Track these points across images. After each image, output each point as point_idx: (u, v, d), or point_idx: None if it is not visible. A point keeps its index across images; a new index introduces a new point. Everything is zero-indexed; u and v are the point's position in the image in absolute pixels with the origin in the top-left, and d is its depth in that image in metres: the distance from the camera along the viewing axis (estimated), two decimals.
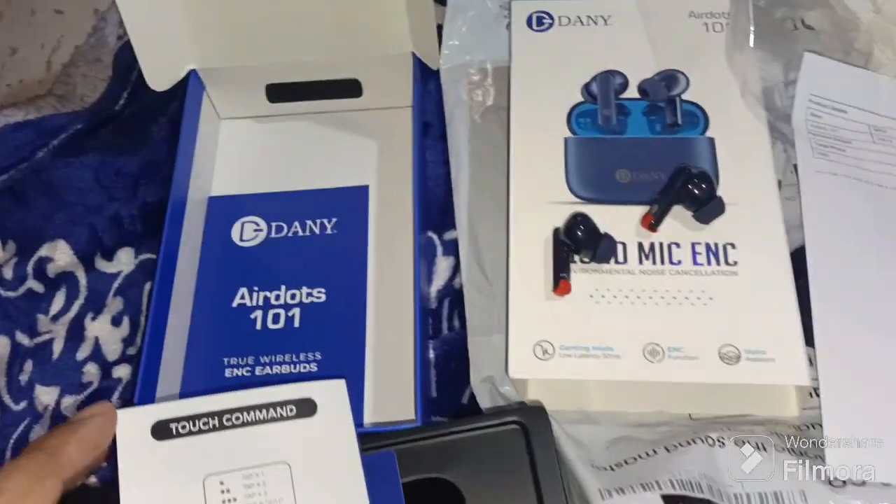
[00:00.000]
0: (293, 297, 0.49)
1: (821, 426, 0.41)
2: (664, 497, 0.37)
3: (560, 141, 0.47)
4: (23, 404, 0.49)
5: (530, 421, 0.39)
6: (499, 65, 0.55)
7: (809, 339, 0.41)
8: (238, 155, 0.55)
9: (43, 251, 0.53)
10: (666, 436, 0.41)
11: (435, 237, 0.51)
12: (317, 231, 0.51)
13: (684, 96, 0.48)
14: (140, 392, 0.42)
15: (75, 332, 0.51)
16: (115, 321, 0.51)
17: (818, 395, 0.41)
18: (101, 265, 0.53)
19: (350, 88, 0.54)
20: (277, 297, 0.49)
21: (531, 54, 0.51)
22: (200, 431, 0.34)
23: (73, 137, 0.56)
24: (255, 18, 0.50)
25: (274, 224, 0.52)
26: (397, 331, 0.47)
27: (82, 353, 0.50)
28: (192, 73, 0.52)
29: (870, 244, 0.43)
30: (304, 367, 0.47)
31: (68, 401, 0.49)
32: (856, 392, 0.40)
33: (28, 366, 0.50)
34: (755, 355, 0.40)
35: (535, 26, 0.52)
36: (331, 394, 0.36)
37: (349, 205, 0.52)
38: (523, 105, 0.49)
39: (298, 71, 0.53)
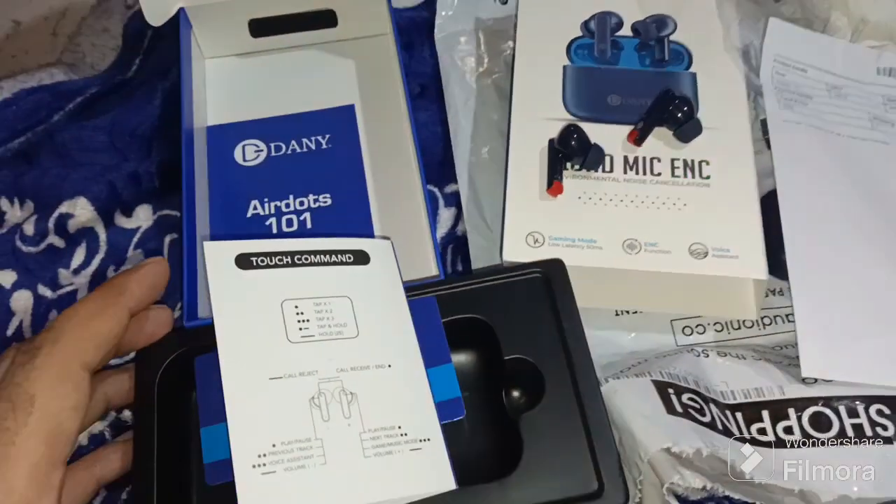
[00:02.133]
0: (301, 203, 0.55)
1: (790, 346, 0.48)
2: (654, 381, 0.44)
3: (559, 68, 0.55)
4: None
5: (550, 270, 0.46)
6: (490, 33, 0.61)
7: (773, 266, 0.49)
8: (227, 89, 0.61)
9: (63, 208, 0.57)
10: (656, 353, 0.48)
11: (436, 190, 0.57)
12: (313, 147, 0.57)
13: (672, 38, 0.56)
14: (187, 301, 0.47)
15: (98, 283, 0.55)
16: None
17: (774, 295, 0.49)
18: (121, 221, 0.57)
19: (326, 19, 0.61)
20: (287, 206, 0.55)
21: None
22: (276, 266, 0.42)
23: (87, 101, 0.60)
24: None
25: (272, 144, 0.58)
26: (405, 214, 0.54)
27: None
28: (181, 13, 0.58)
29: (830, 181, 0.51)
30: None
31: None
32: (823, 306, 0.47)
33: (53, 314, 0.54)
34: (721, 252, 0.48)
35: None
36: (381, 248, 0.45)
37: (339, 122, 0.58)
38: (529, 36, 0.56)
39: (277, 5, 0.59)
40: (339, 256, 0.43)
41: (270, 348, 0.39)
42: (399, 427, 0.39)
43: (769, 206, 0.50)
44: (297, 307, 0.41)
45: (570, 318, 0.44)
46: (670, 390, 0.44)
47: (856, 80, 0.55)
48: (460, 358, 0.46)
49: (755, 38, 0.56)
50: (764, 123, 0.54)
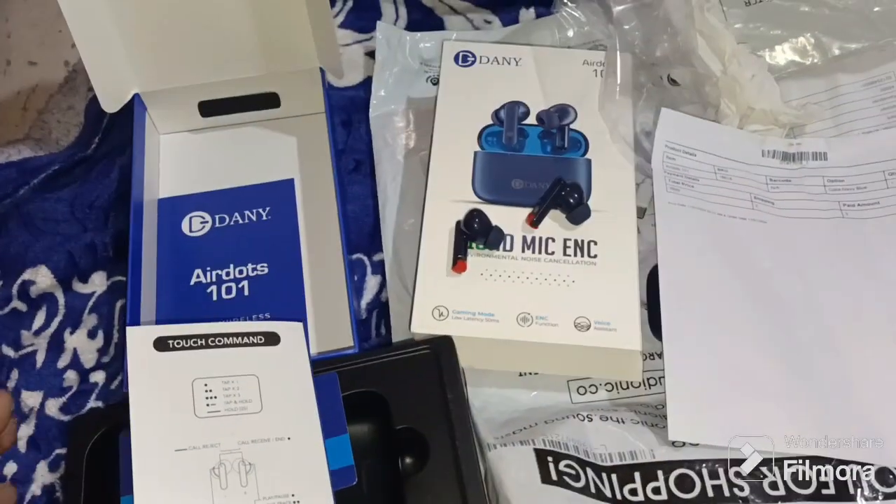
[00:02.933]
0: (241, 272, 0.60)
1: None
2: (536, 450, 0.49)
3: (470, 154, 0.59)
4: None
5: (440, 347, 0.51)
6: (420, 112, 0.66)
7: (658, 334, 0.54)
8: (178, 163, 0.66)
9: (26, 275, 0.62)
10: (549, 416, 0.53)
11: (365, 258, 0.62)
12: (254, 218, 0.63)
13: (572, 126, 0.60)
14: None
15: (55, 345, 0.61)
16: (91, 334, 0.61)
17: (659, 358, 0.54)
18: (78, 286, 0.62)
19: (270, 100, 0.66)
20: (227, 274, 0.60)
21: (455, 84, 0.63)
22: (191, 347, 0.47)
23: (50, 176, 0.65)
24: (186, 46, 0.61)
25: (217, 216, 0.63)
26: (330, 285, 0.59)
27: (62, 361, 0.60)
28: (136, 97, 0.63)
29: (707, 259, 0.55)
30: None
31: (51, 403, 0.59)
32: (691, 374, 0.51)
33: (14, 374, 0.60)
34: (602, 325, 0.53)
35: (460, 62, 0.64)
36: (291, 330, 0.50)
37: (279, 195, 0.64)
38: (444, 123, 0.61)
39: (225, 88, 0.65)
40: (251, 338, 0.48)
41: (179, 423, 0.44)
42: (292, 495, 0.43)
43: (658, 276, 0.55)
44: (206, 385, 0.45)
45: (454, 390, 0.49)
46: (549, 458, 0.48)
47: (742, 162, 0.59)
48: (361, 428, 0.51)
49: (650, 121, 0.60)
50: None
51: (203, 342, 0.47)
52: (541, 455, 0.49)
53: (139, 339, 0.46)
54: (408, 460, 0.49)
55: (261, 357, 0.48)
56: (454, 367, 0.50)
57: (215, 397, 0.45)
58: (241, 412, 0.45)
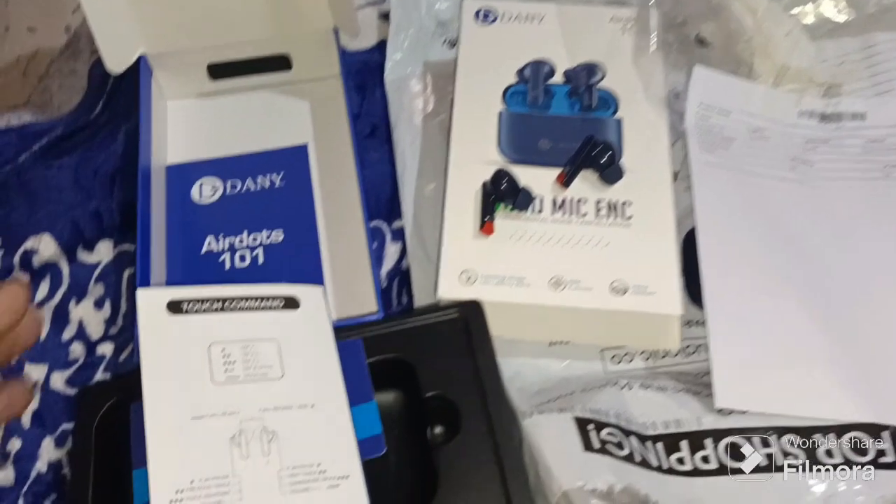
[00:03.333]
0: (255, 239, 0.57)
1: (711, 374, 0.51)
2: (576, 418, 0.46)
3: (495, 113, 0.57)
4: None
5: (468, 311, 0.49)
6: (437, 76, 0.63)
7: (694, 300, 0.51)
8: (187, 128, 0.63)
9: (28, 244, 0.59)
10: (583, 385, 0.50)
11: (384, 225, 0.59)
12: (267, 185, 0.59)
13: (600, 85, 0.58)
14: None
15: (60, 316, 0.57)
16: (98, 304, 0.58)
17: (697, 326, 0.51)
18: (83, 256, 0.59)
19: (281, 63, 0.63)
20: (241, 241, 0.57)
21: (476, 43, 0.60)
22: (206, 311, 0.44)
23: (53, 142, 0.62)
24: (194, 5, 0.58)
25: (228, 182, 0.60)
26: (349, 252, 0.56)
27: (67, 333, 0.57)
28: (142, 59, 0.60)
29: (746, 220, 0.53)
30: None
31: (56, 376, 0.55)
32: (736, 340, 0.49)
33: None
34: (640, 289, 0.50)
35: (481, 20, 0.61)
36: (311, 294, 0.47)
37: (292, 161, 0.61)
38: (467, 83, 0.58)
39: (234, 50, 0.61)
40: (269, 302, 0.45)
41: (195, 389, 0.41)
42: (318, 464, 0.40)
43: (694, 240, 0.52)
44: (224, 349, 0.42)
45: (484, 356, 0.46)
46: (590, 426, 0.46)
47: (778, 122, 0.57)
48: (388, 396, 0.48)
49: (682, 82, 0.58)
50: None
51: (219, 305, 0.44)
52: (581, 423, 0.46)
53: (151, 301, 0.43)
54: (437, 429, 0.47)
55: (280, 321, 0.45)
56: (484, 331, 0.47)
57: (234, 362, 0.42)
58: (261, 378, 0.42)
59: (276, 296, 0.45)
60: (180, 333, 0.42)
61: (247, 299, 0.45)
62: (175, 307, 0.43)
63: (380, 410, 0.45)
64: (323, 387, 0.44)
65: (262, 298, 0.45)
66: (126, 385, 0.46)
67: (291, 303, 0.46)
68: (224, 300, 0.44)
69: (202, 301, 0.44)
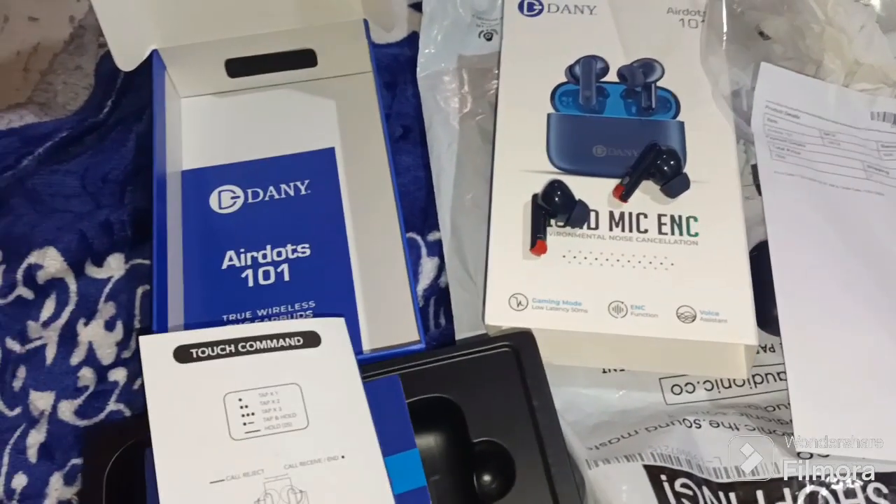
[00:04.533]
0: (279, 254, 0.52)
1: (782, 407, 0.45)
2: (646, 467, 0.41)
3: (543, 116, 0.51)
4: (17, 410, 0.50)
5: (520, 344, 0.43)
6: (474, 72, 0.57)
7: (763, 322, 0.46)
8: (203, 130, 0.57)
9: (32, 258, 0.54)
10: (646, 419, 0.45)
11: (419, 238, 0.54)
12: (291, 193, 0.54)
13: (659, 84, 0.52)
14: None
15: (68, 338, 0.52)
16: (109, 325, 0.52)
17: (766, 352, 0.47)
18: (92, 271, 0.54)
19: (306, 58, 0.57)
20: (265, 256, 0.52)
21: (521, 37, 0.54)
22: (219, 356, 0.38)
23: (58, 145, 0.57)
24: None
25: (250, 190, 0.54)
26: (384, 268, 0.51)
27: (76, 357, 0.51)
28: (154, 53, 0.54)
29: (823, 236, 0.47)
30: (300, 315, 0.49)
31: (65, 405, 0.50)
32: (817, 372, 0.43)
33: (21, 372, 0.51)
34: (709, 316, 0.44)
35: (525, 11, 0.55)
36: (332, 328, 0.41)
37: (319, 166, 0.55)
38: (511, 82, 0.53)
39: (255, 44, 0.56)
40: (287, 340, 0.40)
41: (211, 448, 0.36)
42: None
43: (760, 256, 0.47)
44: (241, 400, 0.37)
45: (540, 396, 0.41)
46: (663, 476, 0.40)
47: (850, 126, 0.51)
48: (428, 440, 0.43)
49: (746, 79, 0.52)
50: (755, 168, 0.50)
51: (232, 349, 0.39)
52: (652, 472, 0.40)
53: (156, 349, 0.38)
54: (486, 478, 0.41)
55: (301, 362, 0.39)
56: (538, 367, 0.42)
57: (253, 414, 0.37)
58: (284, 429, 0.37)
59: (295, 332, 0.40)
60: (191, 384, 0.37)
61: (262, 338, 0.39)
62: (183, 354, 0.38)
63: (422, 457, 0.39)
64: (353, 435, 0.38)
65: (280, 336, 0.40)
66: (142, 426, 0.40)
67: (312, 339, 0.40)
68: (237, 342, 0.39)
69: (213, 345, 0.38)
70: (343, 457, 0.37)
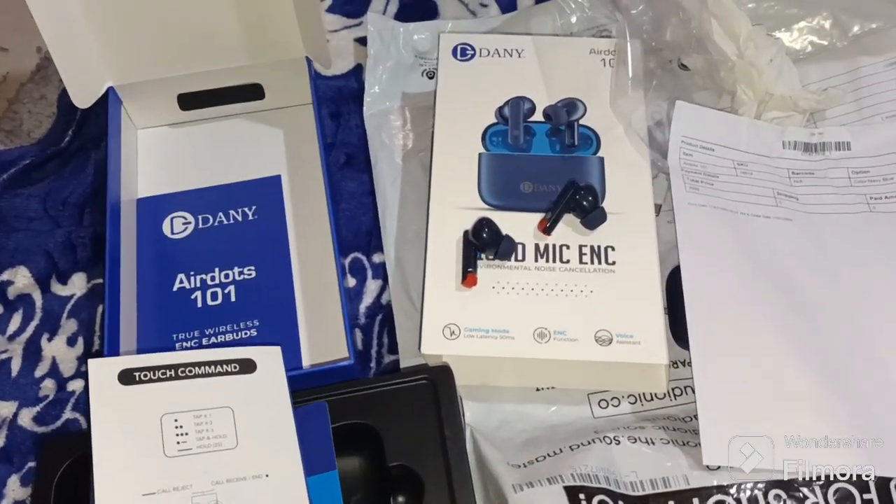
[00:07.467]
0: (227, 276, 0.52)
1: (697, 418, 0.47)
2: (566, 488, 0.42)
3: (475, 156, 0.51)
4: None
5: (437, 377, 0.44)
6: (417, 109, 0.58)
7: (680, 340, 0.47)
8: (157, 159, 0.58)
9: (5, 275, 0.55)
10: (571, 435, 0.46)
11: (364, 259, 0.55)
12: (239, 218, 0.55)
13: (582, 121, 0.52)
14: None
15: (32, 352, 0.53)
16: (70, 341, 0.53)
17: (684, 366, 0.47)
18: (57, 288, 0.54)
19: (254, 92, 0.58)
20: (213, 279, 0.52)
21: (454, 81, 0.54)
22: (160, 379, 0.39)
23: (21, 171, 0.57)
24: (163, 35, 0.53)
25: (200, 216, 0.55)
26: (324, 290, 0.51)
27: (40, 370, 0.52)
28: (110, 90, 0.55)
29: (733, 262, 0.48)
30: (245, 334, 0.50)
31: (25, 412, 0.51)
32: (725, 390, 0.44)
33: None
34: (625, 339, 0.46)
35: (459, 56, 0.55)
36: (268, 356, 0.42)
37: (265, 193, 0.56)
38: (445, 124, 0.53)
39: (206, 80, 0.56)
40: (224, 367, 0.41)
41: (146, 463, 0.37)
42: None
43: (679, 280, 0.47)
44: (176, 420, 0.38)
45: (452, 427, 0.42)
46: (581, 496, 0.41)
47: (762, 155, 0.52)
48: (352, 462, 0.44)
49: (665, 109, 0.53)
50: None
51: (172, 373, 0.39)
52: (572, 493, 0.41)
53: (102, 372, 0.38)
54: (400, 499, 0.43)
55: (236, 387, 0.40)
56: (452, 399, 0.43)
57: (186, 434, 0.38)
58: (214, 448, 0.38)
59: (232, 359, 0.41)
60: (132, 405, 0.38)
61: (201, 364, 0.40)
62: (127, 377, 0.39)
63: (341, 478, 0.40)
64: (278, 455, 0.39)
65: (217, 363, 0.40)
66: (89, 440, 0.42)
67: (248, 366, 0.41)
68: (178, 367, 0.40)
69: (155, 369, 0.39)
70: (267, 475, 0.38)
